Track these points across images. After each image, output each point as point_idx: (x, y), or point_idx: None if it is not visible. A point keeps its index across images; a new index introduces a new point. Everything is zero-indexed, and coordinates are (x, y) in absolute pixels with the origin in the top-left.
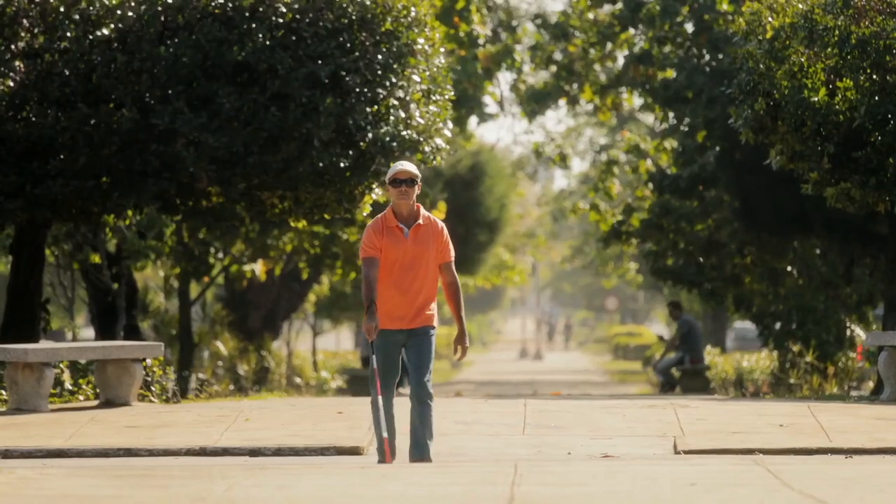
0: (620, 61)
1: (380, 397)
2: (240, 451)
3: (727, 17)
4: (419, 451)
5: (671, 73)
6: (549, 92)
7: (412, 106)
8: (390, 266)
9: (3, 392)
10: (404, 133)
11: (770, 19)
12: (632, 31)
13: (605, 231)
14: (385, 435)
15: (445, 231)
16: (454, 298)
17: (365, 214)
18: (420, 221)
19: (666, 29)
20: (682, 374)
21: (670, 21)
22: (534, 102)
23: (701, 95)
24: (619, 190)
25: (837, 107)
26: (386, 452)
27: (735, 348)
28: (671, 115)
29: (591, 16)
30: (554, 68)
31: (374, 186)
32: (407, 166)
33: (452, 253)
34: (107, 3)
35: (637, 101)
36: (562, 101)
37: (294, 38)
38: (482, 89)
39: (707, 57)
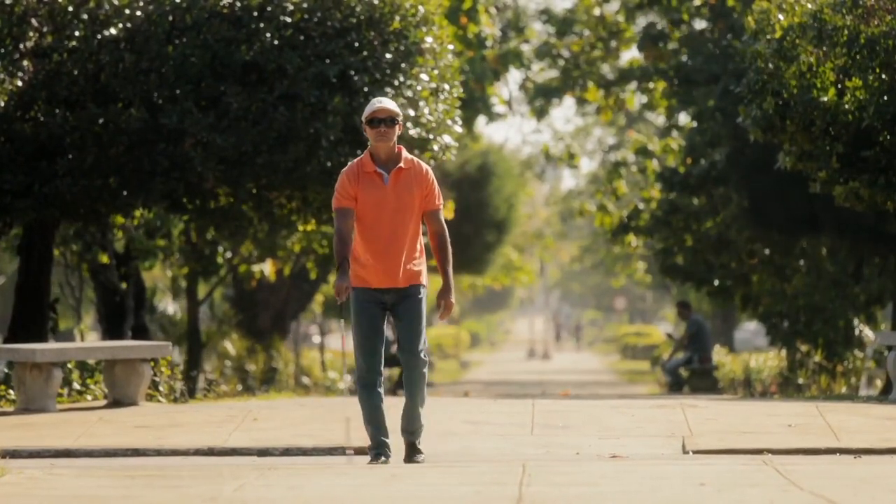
0: (624, 59)
1: (359, 380)
2: (248, 451)
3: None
4: (410, 423)
5: (683, 52)
6: (557, 87)
7: (421, 104)
8: (370, 216)
9: (12, 392)
10: (413, 132)
11: (779, 18)
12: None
13: (609, 228)
14: (369, 427)
15: (431, 174)
16: (441, 251)
17: None
18: (402, 165)
19: (681, 12)
20: (691, 373)
21: (687, 4)
22: (541, 96)
23: (717, 82)
24: (626, 190)
25: (846, 106)
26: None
27: None
28: (677, 107)
29: (597, 12)
30: (561, 62)
31: None
32: (386, 103)
33: (440, 199)
34: (115, 2)
35: (640, 99)
36: (569, 99)
37: (302, 37)
38: (490, 89)
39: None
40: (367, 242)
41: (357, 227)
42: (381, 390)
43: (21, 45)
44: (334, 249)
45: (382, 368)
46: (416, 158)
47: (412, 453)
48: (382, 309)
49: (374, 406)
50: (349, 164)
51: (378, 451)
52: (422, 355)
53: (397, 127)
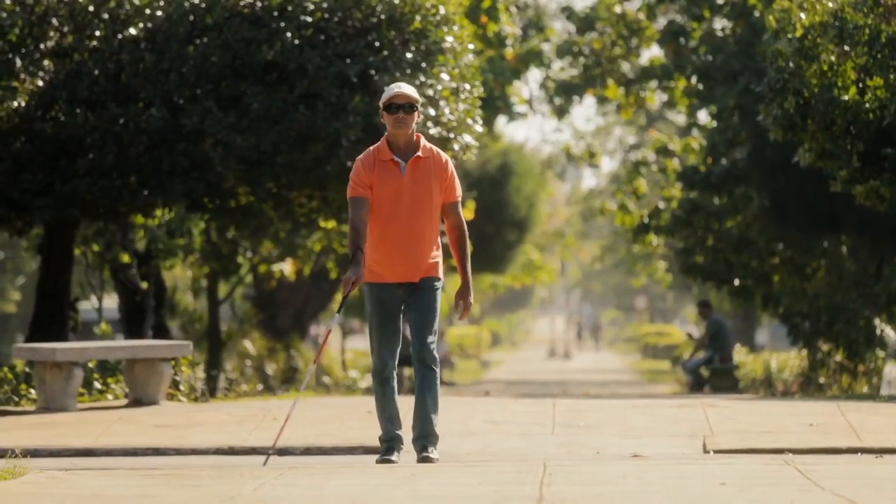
0: (646, 57)
1: (374, 374)
2: (268, 450)
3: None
4: (423, 428)
5: (703, 49)
6: (578, 84)
7: (441, 103)
8: (386, 207)
9: (32, 391)
10: (433, 131)
11: (801, 17)
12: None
13: (630, 227)
14: (383, 422)
15: (451, 165)
16: (459, 246)
17: None
18: (420, 154)
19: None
20: (712, 373)
21: (709, 1)
22: (563, 93)
23: (737, 79)
24: (646, 189)
25: (867, 105)
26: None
27: None
28: (697, 105)
29: (618, 10)
30: (582, 59)
31: None
32: (405, 89)
33: (459, 191)
34: (136, 2)
35: (660, 97)
36: (590, 98)
37: (323, 37)
38: (510, 89)
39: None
40: (383, 234)
41: (372, 219)
42: (395, 384)
43: (42, 45)
44: (348, 239)
45: (397, 364)
46: (435, 147)
47: (424, 460)
48: (399, 304)
49: (388, 400)
50: (365, 151)
51: (390, 444)
52: (431, 348)
53: (416, 114)
